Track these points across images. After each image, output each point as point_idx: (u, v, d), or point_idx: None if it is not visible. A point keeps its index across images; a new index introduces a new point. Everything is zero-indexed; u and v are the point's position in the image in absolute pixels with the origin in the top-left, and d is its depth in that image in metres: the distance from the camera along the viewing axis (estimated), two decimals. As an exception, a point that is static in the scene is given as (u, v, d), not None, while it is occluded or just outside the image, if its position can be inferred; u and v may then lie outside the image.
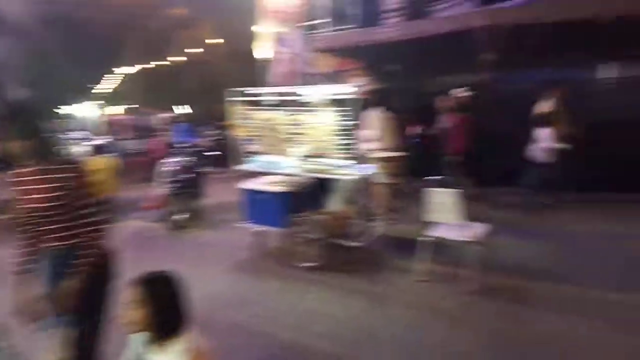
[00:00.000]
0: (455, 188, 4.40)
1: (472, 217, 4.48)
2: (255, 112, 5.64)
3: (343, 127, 5.04)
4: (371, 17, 9.86)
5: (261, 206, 5.16)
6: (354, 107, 4.86)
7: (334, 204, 5.20)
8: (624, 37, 7.06)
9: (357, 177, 5.04)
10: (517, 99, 7.71)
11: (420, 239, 4.52)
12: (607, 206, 6.77)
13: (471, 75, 8.18)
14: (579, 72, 8.09)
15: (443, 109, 7.84)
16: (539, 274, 4.58)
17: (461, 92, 7.67)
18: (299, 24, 9.97)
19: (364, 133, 5.25)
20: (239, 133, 5.82)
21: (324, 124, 5.20)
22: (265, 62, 10.35)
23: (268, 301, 4.29)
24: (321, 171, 5.19)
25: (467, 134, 7.49)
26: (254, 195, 5.24)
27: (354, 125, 4.95)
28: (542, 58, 7.91)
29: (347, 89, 4.93)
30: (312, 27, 10.11)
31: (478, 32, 7.58)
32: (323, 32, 9.89)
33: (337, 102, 5.02)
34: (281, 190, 5.04)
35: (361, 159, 5.12)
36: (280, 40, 10.36)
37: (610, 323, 3.61)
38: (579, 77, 8.00)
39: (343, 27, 9.89)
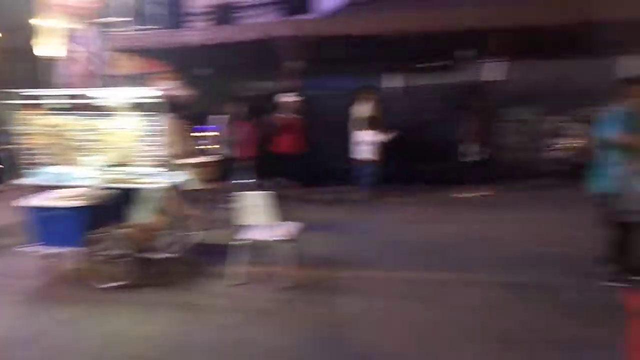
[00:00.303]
0: (265, 190, 4.49)
1: (288, 216, 4.63)
2: (41, 117, 4.88)
3: (148, 133, 4.72)
4: (177, 19, 9.53)
5: (51, 225, 4.48)
6: (159, 112, 4.59)
7: (141, 216, 4.82)
8: (410, 51, 8.22)
9: (165, 184, 4.76)
10: (326, 105, 8.33)
11: (233, 243, 4.49)
12: (417, 197, 7.76)
13: (280, 82, 8.52)
14: (375, 81, 9.10)
15: (234, 115, 7.89)
16: (350, 263, 4.96)
17: (289, 97, 7.89)
18: (92, 21, 9.05)
19: (167, 139, 4.99)
20: (20, 141, 4.97)
21: (126, 129, 4.79)
22: (52, 61, 9.12)
23: (64, 331, 3.71)
24: (125, 181, 4.77)
25: (298, 136, 7.77)
26: (42, 212, 4.52)
27: (160, 130, 4.68)
28: (343, 67, 8.70)
29: (151, 93, 4.64)
30: (111, 25, 9.30)
31: (284, 41, 7.94)
32: (124, 31, 9.16)
33: (140, 107, 4.68)
34: (76, 205, 4.45)
35: (170, 165, 4.86)
36: (72, 37, 9.25)
37: (409, 299, 4.08)
38: (376, 86, 8.98)
39: (146, 27, 9.33)
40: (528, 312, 3.74)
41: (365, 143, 7.46)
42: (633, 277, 3.96)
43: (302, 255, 4.58)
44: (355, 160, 7.56)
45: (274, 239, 4.40)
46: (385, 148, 7.44)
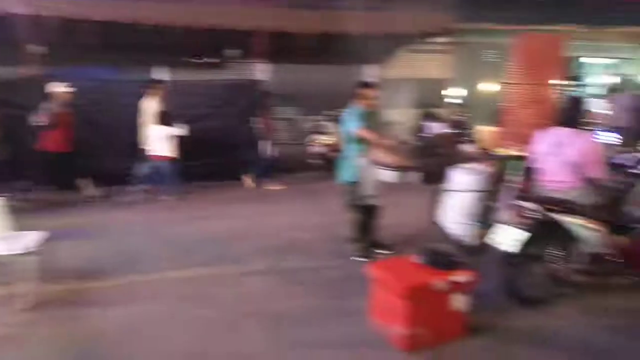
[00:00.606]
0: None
1: (37, 225, 4.02)
2: None
3: None
4: None
5: None
6: None
7: None
8: (175, 45, 7.88)
9: None
10: (96, 97, 7.34)
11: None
12: (196, 194, 7.38)
13: (18, 67, 7.19)
14: (142, 73, 8.39)
15: None
16: (115, 270, 4.46)
17: (57, 87, 6.55)
18: None
19: None
20: None
21: None
22: None
23: None
24: None
25: (65, 132, 6.52)
26: None
27: None
28: (96, 55, 7.84)
29: None
30: None
31: (20, 19, 6.73)
32: None
33: None
34: None
35: None
36: None
37: (182, 298, 3.93)
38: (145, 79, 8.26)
39: None
40: (298, 292, 4.06)
41: (157, 138, 6.84)
42: (374, 251, 4.66)
43: (49, 269, 3.92)
44: (145, 157, 6.87)
45: (10, 253, 3.66)
46: (178, 143, 6.96)
